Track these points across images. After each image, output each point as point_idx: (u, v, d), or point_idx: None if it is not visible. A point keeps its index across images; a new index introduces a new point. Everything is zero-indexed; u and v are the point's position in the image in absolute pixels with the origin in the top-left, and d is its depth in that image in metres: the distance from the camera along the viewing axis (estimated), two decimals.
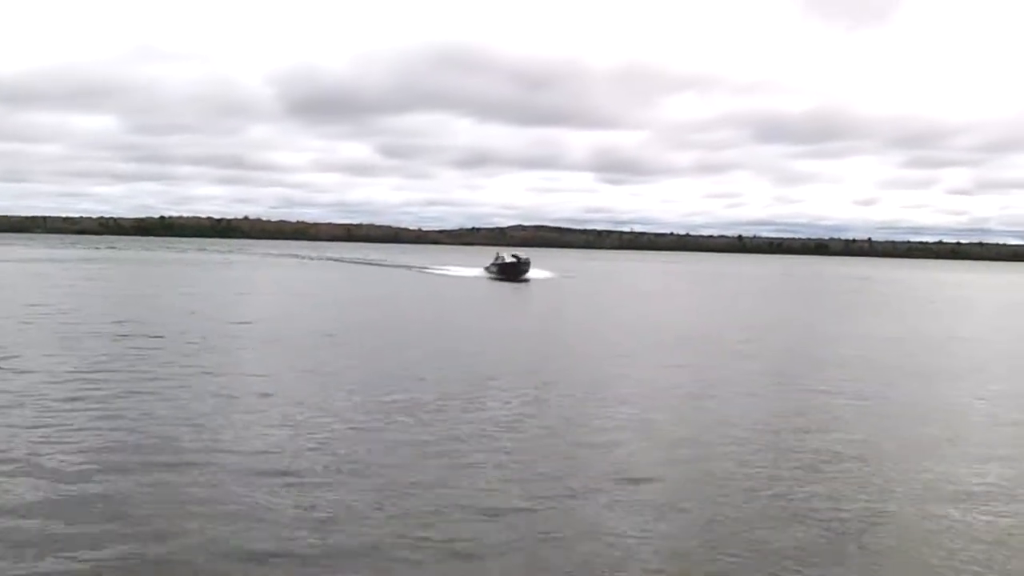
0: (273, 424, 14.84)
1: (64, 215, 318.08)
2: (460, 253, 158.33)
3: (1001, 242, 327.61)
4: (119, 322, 30.24)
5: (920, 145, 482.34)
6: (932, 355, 28.81)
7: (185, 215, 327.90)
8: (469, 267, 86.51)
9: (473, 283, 68.83)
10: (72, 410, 15.32)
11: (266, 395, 17.39)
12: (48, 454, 12.43)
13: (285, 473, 11.86)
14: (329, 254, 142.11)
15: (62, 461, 12.12)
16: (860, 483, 12.18)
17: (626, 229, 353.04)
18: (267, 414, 15.60)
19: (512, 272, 73.96)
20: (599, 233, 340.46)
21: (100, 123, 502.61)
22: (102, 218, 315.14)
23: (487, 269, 79.20)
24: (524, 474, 12.19)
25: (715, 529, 10.16)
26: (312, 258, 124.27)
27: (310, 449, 13.19)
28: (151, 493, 10.89)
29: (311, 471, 12.02)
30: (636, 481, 11.96)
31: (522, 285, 67.58)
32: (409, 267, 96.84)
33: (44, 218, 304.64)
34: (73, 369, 19.77)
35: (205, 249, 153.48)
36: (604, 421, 15.92)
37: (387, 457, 12.90)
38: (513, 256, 77.62)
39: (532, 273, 74.73)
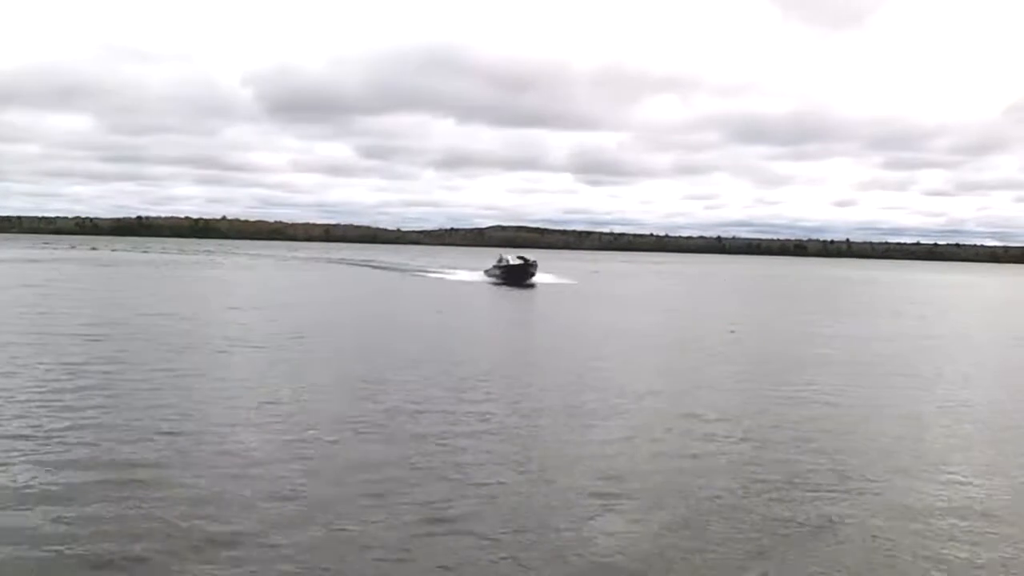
0: (252, 432, 14.47)
1: (40, 215, 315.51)
2: (461, 255, 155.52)
3: (978, 243, 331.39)
4: (94, 324, 29.66)
5: (898, 147, 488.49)
6: (916, 357, 28.74)
7: (163, 215, 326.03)
8: (469, 270, 79.62)
9: (474, 288, 62.80)
10: (42, 416, 14.89)
11: (247, 402, 17.02)
12: (14, 466, 11.99)
13: (263, 485, 11.50)
14: (314, 254, 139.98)
15: (28, 475, 11.64)
16: (844, 492, 12.02)
17: (605, 230, 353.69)
18: (247, 422, 15.26)
19: (518, 275, 66.15)
20: (579, 234, 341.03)
21: (77, 123, 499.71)
22: (79, 218, 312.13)
23: (488, 272, 71.19)
24: (504, 484, 11.92)
25: (697, 541, 9.97)
26: (298, 258, 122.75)
27: (286, 462, 12.75)
28: (120, 513, 10.35)
29: (289, 484, 11.60)
30: (618, 493, 11.66)
31: (528, 290, 60.92)
32: (402, 270, 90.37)
33: (20, 218, 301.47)
34: (45, 373, 19.28)
35: (184, 250, 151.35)
36: (594, 428, 15.75)
37: (366, 468, 12.51)
38: (519, 258, 69.14)
39: (537, 277, 67.03)
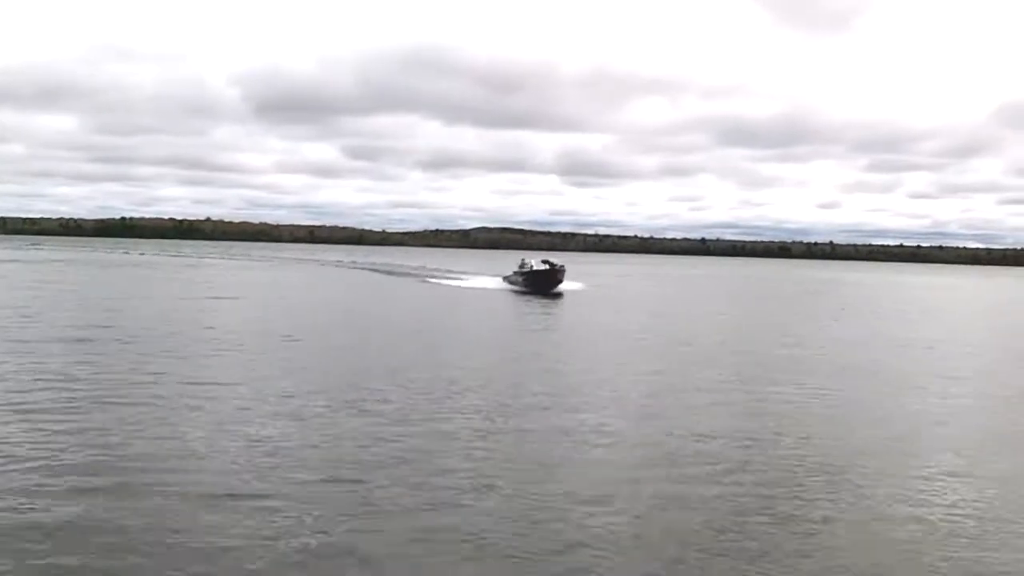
0: (240, 441, 14.17)
1: (24, 216, 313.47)
2: (461, 257, 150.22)
3: (961, 245, 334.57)
4: (82, 327, 29.20)
5: (883, 149, 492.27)
6: (899, 360, 29.26)
7: (148, 216, 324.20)
8: (485, 275, 71.76)
9: (492, 298, 53.59)
10: (23, 422, 14.69)
11: (238, 407, 16.78)
12: None
13: (248, 496, 11.30)
14: (306, 256, 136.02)
15: (9, 482, 11.33)
16: (828, 502, 11.97)
17: (590, 232, 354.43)
18: (237, 430, 14.93)
19: (543, 282, 57.73)
20: (563, 236, 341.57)
21: (63, 123, 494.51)
22: (63, 219, 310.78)
23: (508, 279, 63.37)
24: (490, 496, 11.75)
25: (683, 548, 10.03)
26: (283, 259, 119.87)
27: (271, 469, 12.58)
28: (102, 519, 10.20)
29: (270, 494, 11.36)
30: (611, 506, 11.48)
31: (553, 300, 52.75)
32: (408, 275, 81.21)
33: (3, 219, 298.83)
34: (28, 377, 19.04)
35: (163, 251, 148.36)
36: (584, 436, 15.64)
37: (355, 475, 12.39)
38: (544, 261, 60.58)
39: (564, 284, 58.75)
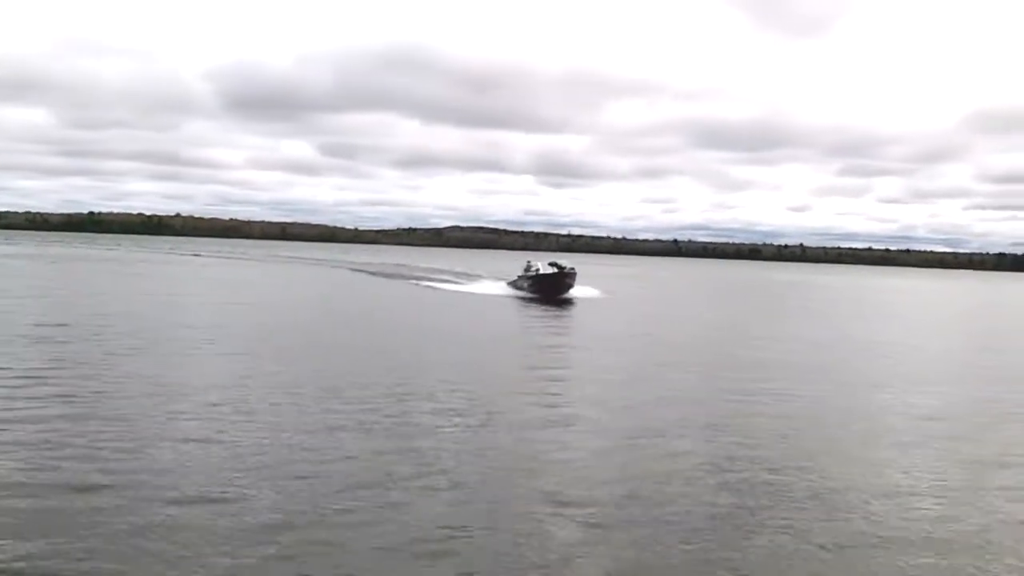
0: (208, 451, 13.51)
1: None
2: (449, 256, 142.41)
3: (928, 249, 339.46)
4: (47, 325, 28.26)
5: (855, 154, 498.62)
6: (873, 361, 29.68)
7: (116, 211, 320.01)
8: (487, 279, 66.28)
9: (501, 307, 48.16)
10: None
11: (213, 412, 16.20)
12: None
13: (222, 503, 10.99)
14: (299, 255, 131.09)
15: None
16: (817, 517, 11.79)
17: (564, 232, 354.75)
18: (215, 437, 14.34)
19: (550, 287, 52.57)
20: (536, 235, 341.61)
21: (31, 116, 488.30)
22: (29, 213, 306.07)
23: (515, 284, 57.08)
24: (469, 510, 11.41)
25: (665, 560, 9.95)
26: (276, 258, 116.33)
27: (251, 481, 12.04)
28: (72, 547, 9.57)
29: (250, 505, 11.02)
30: (587, 514, 11.39)
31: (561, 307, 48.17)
32: (396, 277, 74.68)
33: None
34: None
35: (149, 248, 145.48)
36: (566, 439, 15.57)
37: (330, 486, 11.94)
38: (551, 264, 55.48)
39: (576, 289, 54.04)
